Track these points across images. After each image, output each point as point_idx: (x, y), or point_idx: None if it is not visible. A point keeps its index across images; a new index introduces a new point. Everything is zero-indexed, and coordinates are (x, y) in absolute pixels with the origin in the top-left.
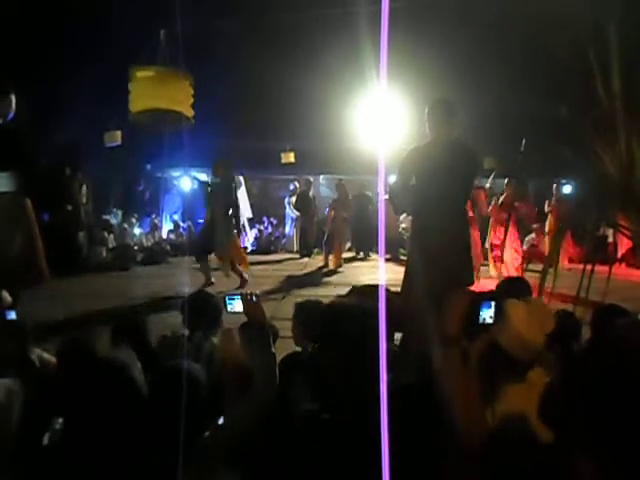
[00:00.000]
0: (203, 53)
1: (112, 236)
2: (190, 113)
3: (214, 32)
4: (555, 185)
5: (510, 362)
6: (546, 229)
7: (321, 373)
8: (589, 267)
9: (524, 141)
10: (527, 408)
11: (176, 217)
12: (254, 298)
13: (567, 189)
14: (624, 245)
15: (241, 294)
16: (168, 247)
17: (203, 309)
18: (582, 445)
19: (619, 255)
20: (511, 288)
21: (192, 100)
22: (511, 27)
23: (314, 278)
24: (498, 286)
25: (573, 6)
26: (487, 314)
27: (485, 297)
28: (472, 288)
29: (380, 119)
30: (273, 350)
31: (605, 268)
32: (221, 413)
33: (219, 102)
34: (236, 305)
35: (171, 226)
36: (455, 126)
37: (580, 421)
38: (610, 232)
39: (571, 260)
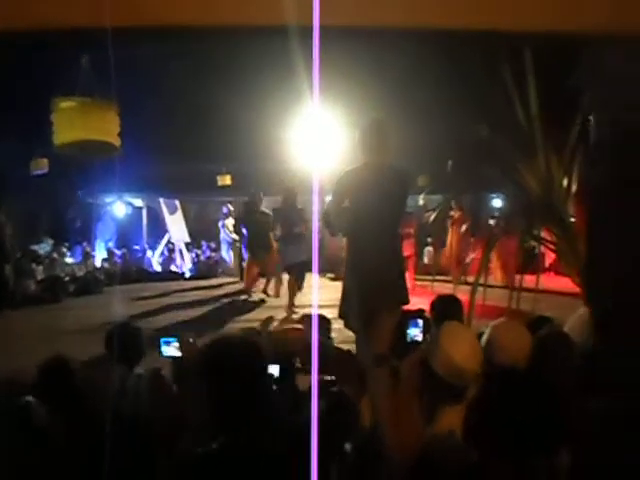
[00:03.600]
0: (132, 78)
1: (41, 267)
2: (117, 143)
3: (142, 57)
4: (455, 196)
5: (444, 385)
6: (448, 241)
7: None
8: (519, 278)
9: (450, 162)
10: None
11: (110, 244)
12: (190, 340)
13: (497, 203)
14: (551, 254)
15: (177, 336)
16: (102, 276)
17: (125, 342)
18: (504, 463)
19: (547, 264)
20: (443, 306)
21: (119, 129)
22: (439, 55)
23: (255, 303)
24: (432, 304)
25: (492, 35)
26: (415, 332)
27: (412, 315)
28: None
29: (316, 140)
30: None
31: (535, 278)
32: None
33: (153, 126)
34: (172, 348)
35: (105, 254)
36: (388, 148)
37: (500, 439)
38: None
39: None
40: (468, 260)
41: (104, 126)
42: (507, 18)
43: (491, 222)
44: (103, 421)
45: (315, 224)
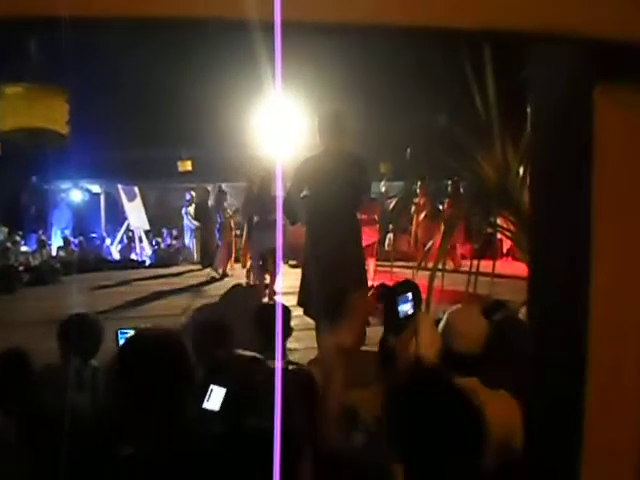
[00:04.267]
0: (91, 63)
1: None
2: (65, 131)
3: (99, 42)
4: (420, 183)
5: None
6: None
7: None
8: (477, 263)
9: (409, 150)
10: None
11: (67, 232)
12: None
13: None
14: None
15: (135, 328)
16: (58, 265)
17: (81, 333)
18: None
19: (505, 250)
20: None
21: (68, 117)
22: (399, 45)
23: (216, 290)
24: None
25: (451, 31)
26: (406, 307)
27: (400, 291)
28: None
29: (278, 127)
30: None
31: (495, 263)
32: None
33: (111, 111)
34: None
35: (61, 242)
36: (346, 136)
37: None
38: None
39: (463, 257)
40: (428, 246)
41: (50, 113)
42: (465, 15)
43: (440, 207)
44: (58, 414)
45: (279, 211)
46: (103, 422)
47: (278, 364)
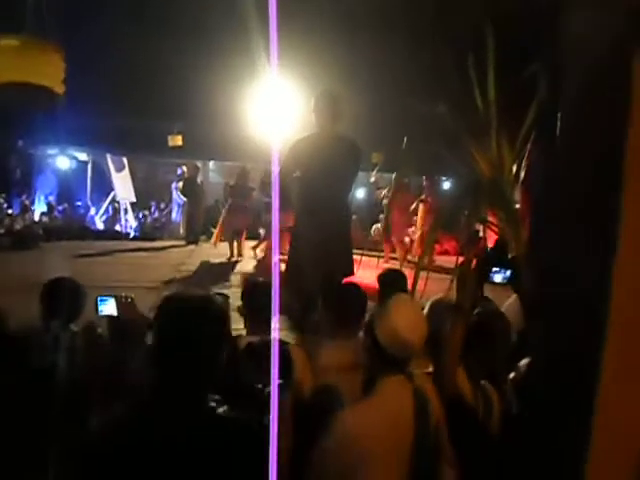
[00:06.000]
0: (85, 24)
1: None
2: (61, 89)
3: (93, 5)
4: (397, 177)
5: (387, 357)
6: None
7: None
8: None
9: (405, 139)
10: (400, 402)
11: (51, 198)
12: (128, 300)
13: (446, 185)
14: (492, 239)
15: (115, 295)
16: (41, 231)
17: (63, 296)
18: None
19: (489, 248)
20: (390, 278)
21: (63, 75)
22: (400, 29)
23: (200, 267)
24: (379, 277)
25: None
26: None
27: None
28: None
29: (272, 107)
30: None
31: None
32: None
33: (100, 78)
34: (108, 307)
35: (45, 208)
36: (340, 118)
37: None
38: (481, 227)
39: (447, 252)
40: (408, 240)
41: (47, 69)
42: None
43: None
44: (37, 377)
45: (276, 192)
46: (79, 385)
47: (274, 337)
